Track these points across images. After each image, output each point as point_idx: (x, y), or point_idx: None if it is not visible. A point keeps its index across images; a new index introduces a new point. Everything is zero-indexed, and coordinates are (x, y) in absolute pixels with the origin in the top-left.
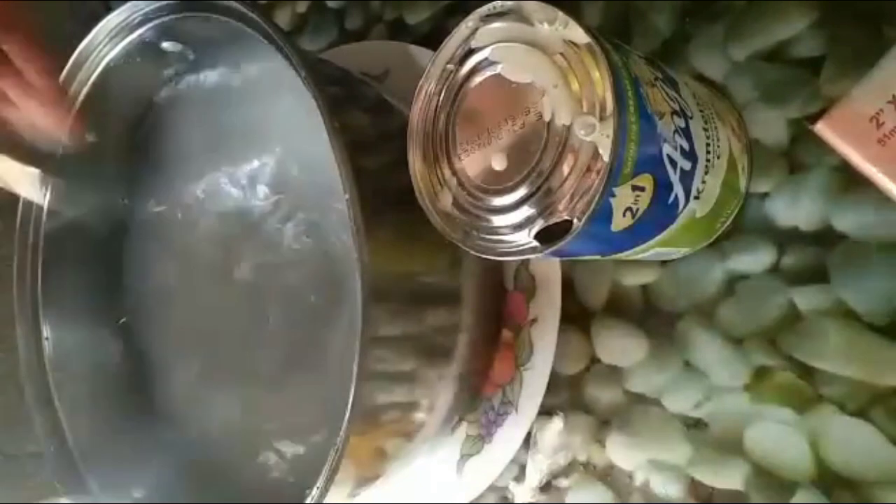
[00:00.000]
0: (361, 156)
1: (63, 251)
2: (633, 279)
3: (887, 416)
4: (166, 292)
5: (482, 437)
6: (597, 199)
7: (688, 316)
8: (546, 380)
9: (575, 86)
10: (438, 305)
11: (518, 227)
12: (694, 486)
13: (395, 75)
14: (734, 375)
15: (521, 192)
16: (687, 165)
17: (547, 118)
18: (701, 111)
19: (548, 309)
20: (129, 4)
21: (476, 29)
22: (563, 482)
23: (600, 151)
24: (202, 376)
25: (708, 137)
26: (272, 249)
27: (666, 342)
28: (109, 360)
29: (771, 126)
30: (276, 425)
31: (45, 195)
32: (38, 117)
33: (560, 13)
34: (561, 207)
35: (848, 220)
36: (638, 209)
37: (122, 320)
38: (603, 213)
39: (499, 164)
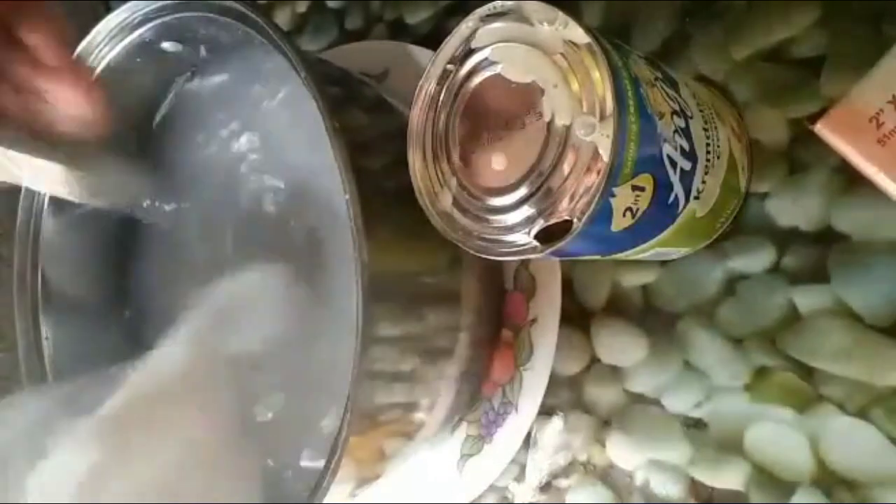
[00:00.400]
0: (361, 156)
1: (63, 251)
2: (633, 279)
3: (887, 416)
4: (167, 292)
5: (482, 437)
6: (597, 199)
7: (688, 316)
8: (546, 380)
9: (575, 86)
10: (438, 305)
11: (518, 227)
12: (694, 486)
13: (395, 75)
14: (734, 375)
15: (521, 192)
16: (687, 165)
17: (547, 118)
18: (701, 111)
19: (548, 309)
20: (129, 4)
21: (476, 29)
22: (563, 482)
23: (600, 151)
24: None
25: (708, 137)
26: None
27: (666, 342)
28: (110, 360)
29: (771, 126)
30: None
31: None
32: (71, 107)
33: (560, 13)
34: (561, 207)
35: (848, 220)
36: (638, 209)
37: (127, 314)
38: (603, 213)
39: (499, 164)
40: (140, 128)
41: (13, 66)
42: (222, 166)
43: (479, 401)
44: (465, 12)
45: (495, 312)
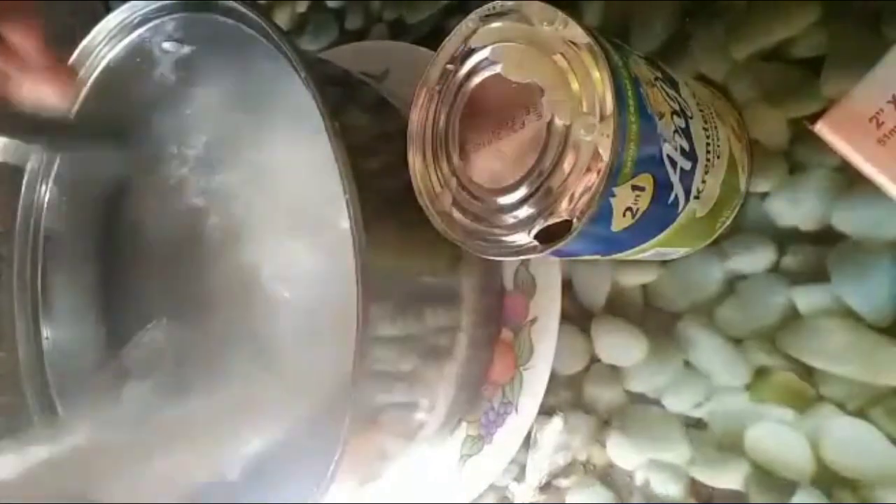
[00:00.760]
0: (361, 156)
1: (63, 251)
2: (633, 279)
3: (887, 416)
4: (168, 291)
5: (482, 437)
6: (597, 199)
7: (688, 316)
8: (546, 380)
9: (575, 86)
10: (438, 305)
11: (518, 227)
12: (694, 486)
13: (395, 75)
14: (734, 375)
15: (522, 192)
16: (687, 165)
17: (547, 118)
18: (701, 111)
19: (548, 309)
20: (129, 4)
21: (476, 29)
22: (563, 482)
23: (600, 151)
24: None
25: (708, 137)
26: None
27: (666, 342)
28: (109, 360)
29: (771, 126)
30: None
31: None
32: (41, 90)
33: (560, 13)
34: (561, 207)
35: (848, 220)
36: (638, 209)
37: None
38: (603, 213)
39: (499, 164)
40: (139, 128)
41: None
42: (223, 167)
43: (479, 401)
44: (465, 12)
45: (495, 312)
